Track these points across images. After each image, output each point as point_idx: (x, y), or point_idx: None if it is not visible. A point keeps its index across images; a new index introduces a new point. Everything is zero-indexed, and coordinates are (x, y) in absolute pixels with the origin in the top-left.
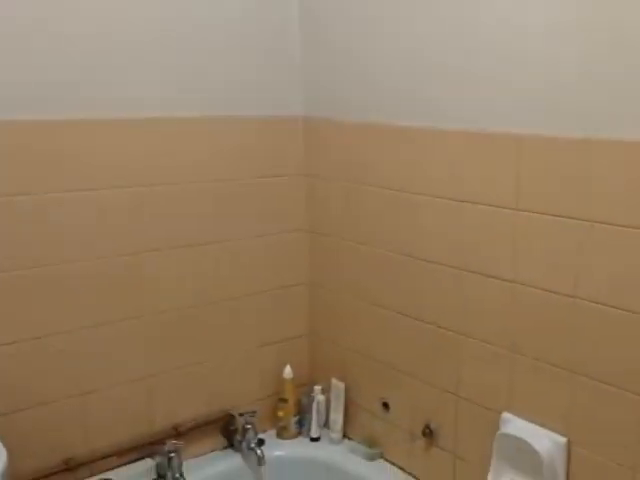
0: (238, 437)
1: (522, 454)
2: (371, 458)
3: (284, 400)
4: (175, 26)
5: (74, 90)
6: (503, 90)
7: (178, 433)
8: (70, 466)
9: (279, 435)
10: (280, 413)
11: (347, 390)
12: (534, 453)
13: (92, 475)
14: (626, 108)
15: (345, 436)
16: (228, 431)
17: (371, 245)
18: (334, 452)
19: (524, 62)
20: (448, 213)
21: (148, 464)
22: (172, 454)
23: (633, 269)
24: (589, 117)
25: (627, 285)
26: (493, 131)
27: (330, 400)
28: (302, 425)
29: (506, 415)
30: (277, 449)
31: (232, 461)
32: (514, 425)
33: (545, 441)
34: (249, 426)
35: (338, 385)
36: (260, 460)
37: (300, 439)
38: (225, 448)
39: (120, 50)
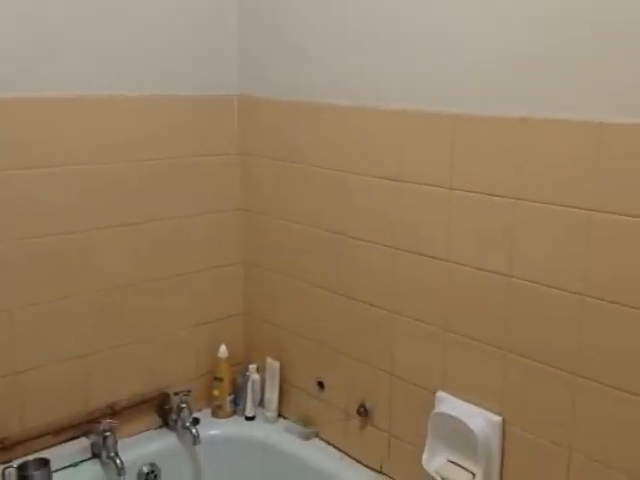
0: (173, 416)
1: (457, 433)
2: (306, 437)
3: (219, 379)
4: (109, 2)
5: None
6: (439, 69)
7: (113, 412)
8: (5, 445)
9: (214, 414)
10: (215, 392)
11: (282, 369)
12: (469, 432)
13: (27, 454)
14: (560, 88)
15: (280, 415)
16: (163, 410)
17: (306, 224)
18: (269, 431)
19: (460, 41)
20: (382, 192)
21: (83, 443)
22: (107, 433)
23: (565, 248)
24: (524, 97)
25: (559, 264)
26: (429, 110)
27: (265, 379)
28: (237, 404)
29: (441, 394)
30: (212, 428)
31: (167, 440)
32: (449, 404)
33: (480, 420)
34: (184, 405)
35: (273, 364)
36: (195, 439)
37: (235, 418)
38: (160, 427)
39: (53, 27)
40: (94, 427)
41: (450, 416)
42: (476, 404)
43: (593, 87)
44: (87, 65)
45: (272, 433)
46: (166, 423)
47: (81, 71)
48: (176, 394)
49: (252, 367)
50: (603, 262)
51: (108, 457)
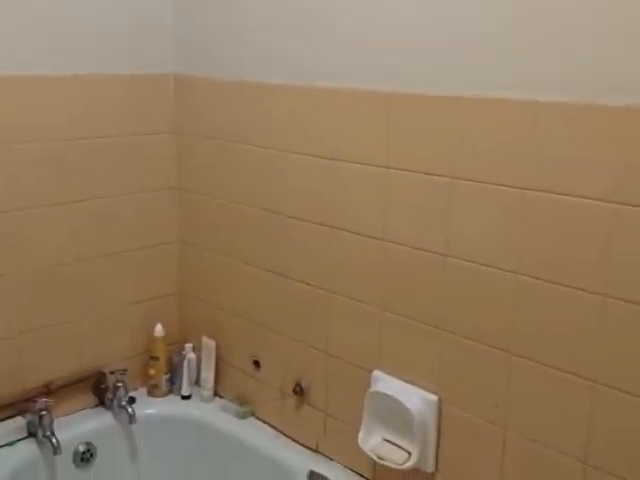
0: (109, 395)
1: (393, 412)
2: (242, 416)
3: (155, 358)
4: None
5: None
6: (374, 48)
7: (49, 391)
8: None
9: (150, 393)
10: (151, 371)
11: (218, 348)
12: (405, 411)
13: None
14: (495, 66)
15: (216, 394)
16: (99, 389)
17: (241, 203)
18: (205, 410)
19: (395, 20)
20: (318, 171)
21: (19, 422)
22: (43, 412)
23: (500, 227)
24: (459, 75)
25: (495, 243)
26: (364, 89)
27: (201, 358)
28: (173, 383)
29: (377, 373)
30: (148, 407)
31: (103, 419)
32: (385, 383)
33: (415, 399)
34: (120, 384)
35: (209, 343)
36: (131, 418)
37: (171, 397)
38: (96, 406)
39: None
40: (30, 406)
41: (386, 395)
42: (412, 383)
43: (528, 66)
44: (21, 45)
45: (208, 412)
46: (102, 402)
47: (15, 51)
48: (112, 373)
49: (188, 346)
50: (538, 241)
51: (44, 436)
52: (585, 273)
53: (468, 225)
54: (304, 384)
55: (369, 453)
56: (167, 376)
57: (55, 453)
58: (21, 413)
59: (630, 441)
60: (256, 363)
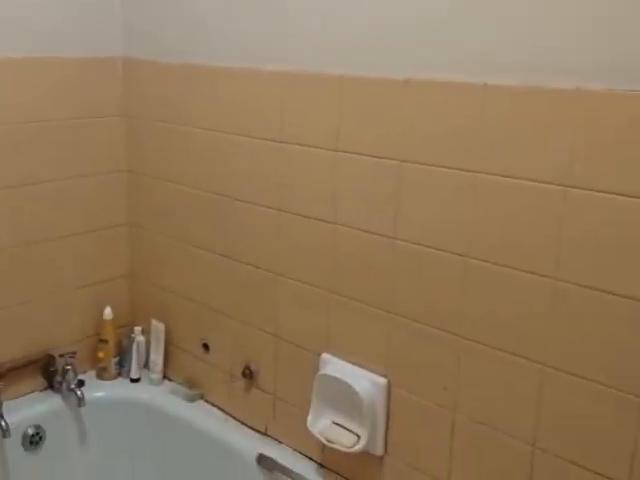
0: (58, 378)
1: (342, 395)
2: (191, 399)
3: (104, 341)
4: None
5: None
6: (324, 30)
7: None
8: None
9: (99, 376)
10: (100, 354)
11: (167, 331)
12: (354, 394)
13: None
14: (444, 49)
15: (165, 377)
16: (48, 372)
17: (190, 186)
18: (154, 393)
19: (345, 3)
20: (268, 154)
21: None
22: None
23: (449, 210)
24: (408, 58)
25: (444, 225)
26: (314, 72)
27: (150, 341)
28: (122, 366)
29: (326, 356)
30: (97, 390)
31: (52, 402)
32: (334, 366)
33: (365, 382)
34: (69, 367)
35: (158, 326)
36: (80, 401)
37: (120, 380)
38: (45, 389)
39: None
40: None
41: (335, 378)
42: (361, 366)
43: (478, 49)
44: None
45: (157, 395)
46: (51, 385)
47: None
48: (61, 356)
49: (137, 329)
50: (487, 224)
51: None
52: (535, 256)
53: (417, 208)
54: (253, 367)
55: (318, 436)
56: (116, 359)
57: (4, 436)
58: None
59: (578, 424)
60: (205, 346)
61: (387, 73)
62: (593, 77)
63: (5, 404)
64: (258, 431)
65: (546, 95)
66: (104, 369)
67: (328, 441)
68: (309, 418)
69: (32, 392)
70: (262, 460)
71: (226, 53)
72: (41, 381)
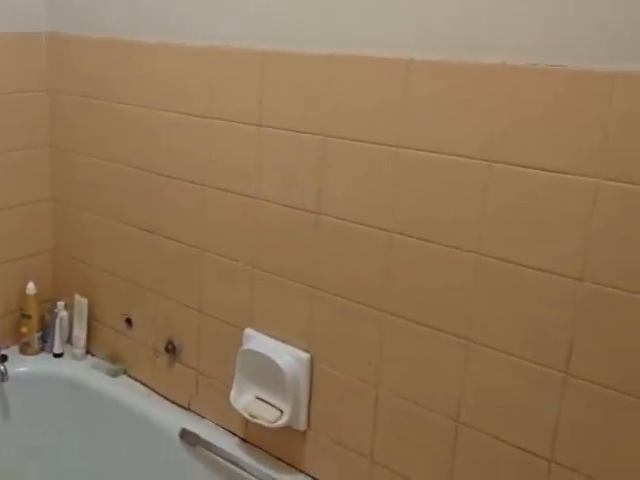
0: None
1: (265, 370)
2: (114, 374)
3: (27, 316)
4: None
5: None
6: (247, 5)
7: None
8: None
9: (22, 351)
10: (23, 329)
11: (90, 306)
12: (277, 369)
13: None
14: (368, 24)
15: (88, 352)
16: None
17: (115, 161)
18: (77, 368)
19: None
20: (192, 129)
21: None
22: None
23: (373, 185)
24: (332, 33)
25: (368, 201)
26: (238, 47)
27: (73, 316)
28: (45, 341)
29: (249, 331)
30: (20, 365)
31: None
32: (257, 341)
33: (287, 357)
34: None
35: (81, 301)
36: (2, 376)
37: (43, 355)
38: None
39: None
40: None
41: (258, 353)
42: (284, 341)
43: (402, 24)
44: None
45: (80, 370)
46: None
47: None
48: None
49: (60, 304)
50: (411, 199)
51: None
52: (459, 231)
53: (341, 183)
54: (176, 342)
55: (241, 411)
56: (39, 334)
57: None
58: None
59: (500, 398)
60: (128, 321)
61: (310, 48)
62: (518, 52)
63: None
64: (181, 406)
65: (471, 70)
66: (27, 344)
67: (251, 416)
68: (232, 393)
69: None
70: (185, 435)
71: (150, 28)
72: None
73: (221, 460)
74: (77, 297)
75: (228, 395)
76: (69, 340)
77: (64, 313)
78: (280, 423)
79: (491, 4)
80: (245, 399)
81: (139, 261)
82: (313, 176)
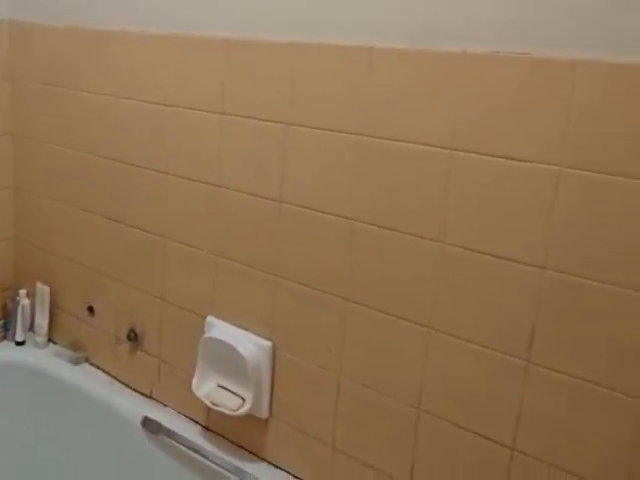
0: None
1: (227, 358)
2: (76, 362)
3: None
4: None
5: None
6: None
7: None
8: None
9: None
10: None
11: (52, 294)
12: (239, 357)
13: None
14: (330, 12)
15: (50, 340)
16: None
17: (78, 150)
18: (39, 356)
19: None
20: (155, 118)
21: None
22: None
23: (335, 173)
24: (294, 20)
25: (330, 189)
26: (200, 35)
27: (35, 304)
28: (7, 329)
29: (211, 319)
30: None
31: None
32: (219, 329)
33: (249, 345)
34: None
35: (43, 289)
36: None
37: (5, 343)
38: None
39: None
40: None
41: (220, 341)
42: (246, 329)
43: (365, 12)
44: None
45: (42, 358)
46: None
47: None
48: None
49: (22, 292)
50: (374, 187)
51: None
52: (422, 220)
53: (303, 171)
54: (138, 330)
55: (203, 399)
56: (1, 322)
57: None
58: None
59: (462, 386)
60: (90, 309)
61: (272, 36)
62: (479, 40)
63: None
64: (143, 394)
65: (433, 58)
66: None
67: (213, 404)
68: (194, 381)
69: None
70: (147, 423)
71: (113, 16)
72: None
73: (183, 448)
74: (39, 285)
75: (190, 383)
76: (31, 328)
77: (26, 301)
78: (242, 411)
79: None
80: (207, 387)
81: (101, 249)
82: (276, 164)
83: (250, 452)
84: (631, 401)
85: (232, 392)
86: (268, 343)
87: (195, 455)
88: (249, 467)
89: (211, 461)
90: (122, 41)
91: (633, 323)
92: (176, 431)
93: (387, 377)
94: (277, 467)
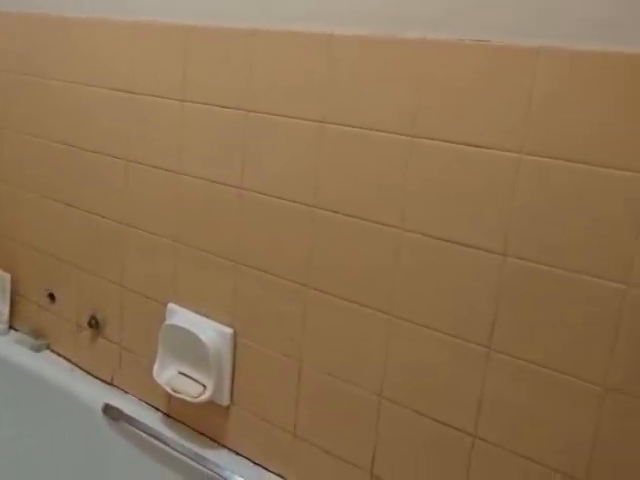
0: None
1: (188, 345)
2: (37, 349)
3: None
4: None
5: None
6: None
7: None
8: None
9: None
10: None
11: (13, 281)
12: (200, 344)
13: None
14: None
15: (11, 327)
16: None
17: (38, 136)
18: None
19: None
20: (115, 104)
21: None
22: None
23: (296, 160)
24: (255, 8)
25: (291, 176)
26: (162, 22)
27: None
28: None
29: (172, 306)
30: None
31: None
32: (180, 316)
33: (210, 332)
34: None
35: (4, 276)
36: None
37: None
38: None
39: None
40: None
41: (181, 328)
42: (208, 316)
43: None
44: None
45: (2, 345)
46: None
47: None
48: None
49: None
50: (335, 174)
51: None
52: (382, 206)
53: (264, 158)
54: (99, 317)
55: (164, 386)
56: None
57: None
58: None
59: (423, 373)
60: (51, 296)
61: (234, 23)
62: (440, 27)
63: None
64: (104, 381)
65: (393, 45)
66: None
67: (174, 391)
68: (155, 368)
69: None
70: (108, 410)
71: (75, 4)
72: None
73: (144, 435)
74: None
75: (151, 370)
76: None
77: None
78: (203, 398)
79: None
80: (168, 374)
81: (63, 236)
82: (237, 151)
83: (211, 439)
84: (590, 387)
85: (193, 379)
86: (229, 330)
87: (156, 442)
88: (210, 454)
89: (172, 448)
90: (84, 28)
91: (590, 309)
92: (137, 418)
93: (349, 365)
94: (238, 454)
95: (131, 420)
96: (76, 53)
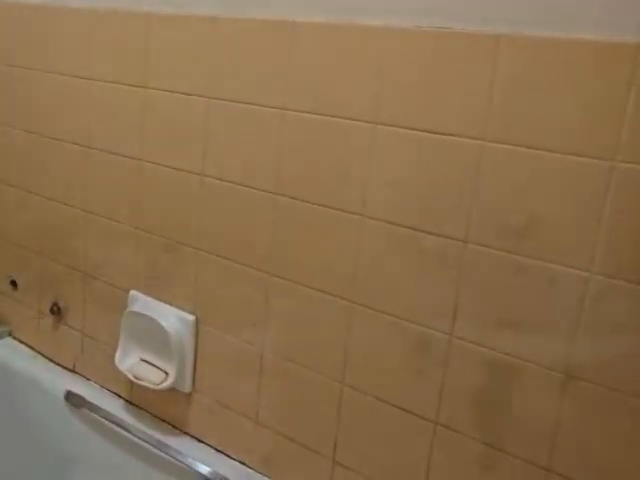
0: None
1: (150, 332)
2: None
3: None
4: None
5: None
6: None
7: None
8: None
9: None
10: None
11: None
12: (162, 331)
13: None
14: None
15: None
16: None
17: None
18: None
19: None
20: (75, 90)
21: None
22: None
23: (257, 146)
24: None
25: (252, 162)
26: (122, 8)
27: None
28: None
29: (134, 293)
30: None
31: None
32: (142, 303)
33: (172, 319)
34: None
35: None
36: None
37: None
38: None
39: None
40: None
41: (143, 315)
42: (169, 303)
43: None
44: None
45: None
46: None
47: None
48: None
49: None
50: (296, 161)
51: None
52: (344, 193)
53: (226, 145)
54: (61, 304)
55: (126, 373)
56: None
57: None
58: None
59: (384, 360)
60: (13, 283)
61: (194, 10)
62: (402, 14)
63: None
64: (66, 368)
65: (355, 32)
66: None
67: (136, 378)
68: (117, 355)
69: None
70: (70, 397)
71: None
72: None
73: (106, 422)
74: None
75: (113, 357)
76: None
77: None
78: (165, 385)
79: None
80: (130, 361)
81: (23, 223)
82: (198, 138)
83: (173, 426)
84: (546, 372)
85: (155, 366)
86: (191, 317)
87: (118, 429)
88: (172, 441)
89: (134, 435)
90: (42, 14)
91: (543, 295)
92: (99, 405)
93: (311, 351)
94: (200, 441)
95: (93, 407)
96: (34, 39)
